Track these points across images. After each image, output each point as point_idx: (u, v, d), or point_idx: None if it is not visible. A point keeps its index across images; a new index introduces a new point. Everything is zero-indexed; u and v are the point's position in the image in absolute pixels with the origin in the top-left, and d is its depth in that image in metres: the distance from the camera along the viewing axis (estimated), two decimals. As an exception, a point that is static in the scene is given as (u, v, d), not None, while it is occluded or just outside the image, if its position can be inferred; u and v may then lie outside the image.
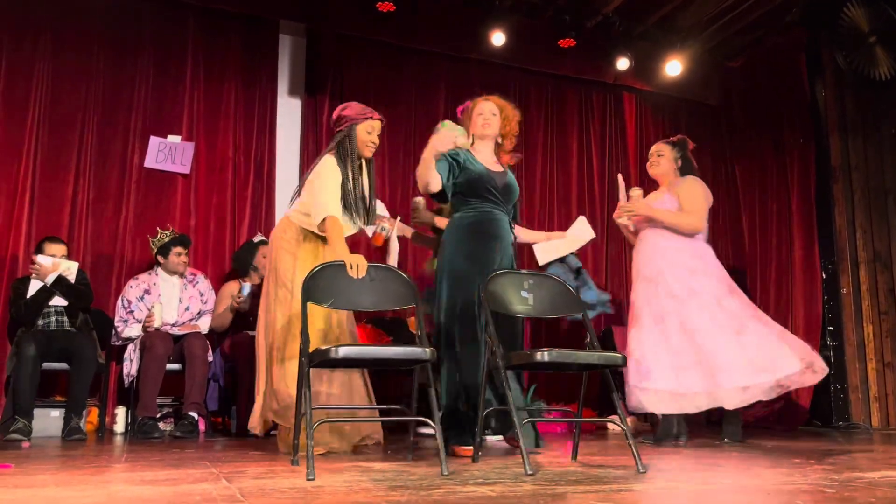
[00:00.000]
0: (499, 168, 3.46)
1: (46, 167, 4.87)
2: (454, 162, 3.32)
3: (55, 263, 4.24)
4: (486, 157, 3.45)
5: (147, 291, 4.54)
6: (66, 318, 4.30)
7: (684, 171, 4.12)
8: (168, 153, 5.12)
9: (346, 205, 3.24)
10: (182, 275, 4.64)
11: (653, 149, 4.24)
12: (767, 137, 6.32)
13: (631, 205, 3.99)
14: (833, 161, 5.89)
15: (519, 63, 6.14)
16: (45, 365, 4.09)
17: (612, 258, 6.41)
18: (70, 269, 4.27)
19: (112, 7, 5.14)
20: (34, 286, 4.22)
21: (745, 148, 6.55)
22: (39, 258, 4.22)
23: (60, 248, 4.34)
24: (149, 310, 4.44)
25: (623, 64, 6.13)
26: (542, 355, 2.54)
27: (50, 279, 4.19)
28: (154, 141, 5.10)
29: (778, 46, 6.20)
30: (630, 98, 6.71)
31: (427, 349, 2.51)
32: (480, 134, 3.47)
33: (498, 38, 5.64)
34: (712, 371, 3.63)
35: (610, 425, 5.07)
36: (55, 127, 4.93)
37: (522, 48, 5.93)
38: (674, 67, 6.21)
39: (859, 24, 5.74)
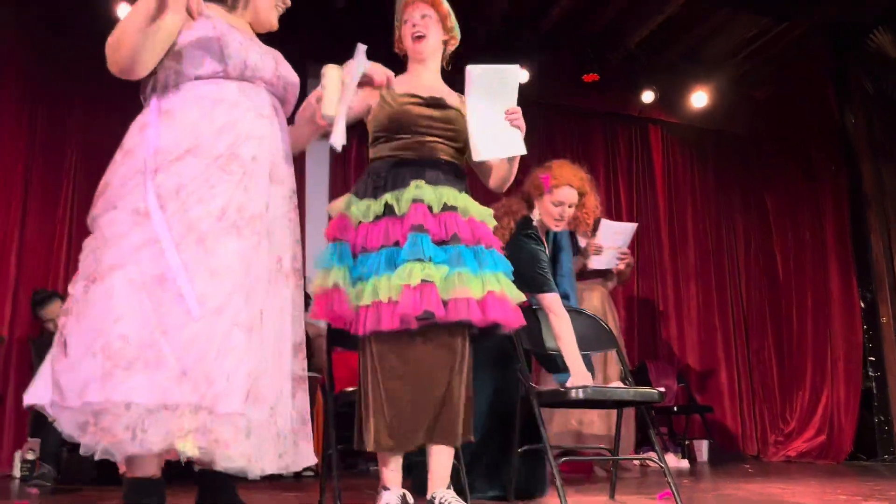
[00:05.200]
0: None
1: (83, 211, 4.99)
2: None
3: None
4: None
5: None
6: None
7: None
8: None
9: None
10: None
11: None
12: (797, 165, 6.26)
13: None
14: (866, 187, 5.81)
15: (543, 99, 6.17)
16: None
17: (642, 290, 6.34)
18: None
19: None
20: None
21: (775, 177, 6.49)
22: None
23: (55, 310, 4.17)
24: None
25: (648, 97, 6.14)
26: (577, 392, 2.50)
27: None
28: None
29: (805, 74, 6.18)
30: (656, 130, 6.70)
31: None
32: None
33: (522, 76, 5.69)
34: None
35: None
36: (91, 171, 5.04)
37: (546, 84, 5.97)
38: (700, 99, 6.21)
39: (886, 50, 5.70)
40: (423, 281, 1.96)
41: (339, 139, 1.90)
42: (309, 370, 1.92)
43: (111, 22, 5.30)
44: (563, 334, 2.75)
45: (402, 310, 1.93)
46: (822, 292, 5.93)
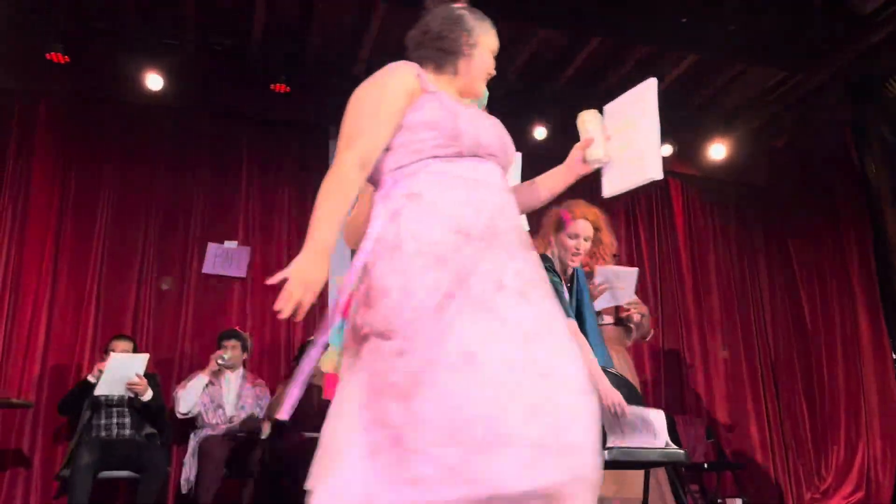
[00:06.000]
0: None
1: (111, 274, 5.10)
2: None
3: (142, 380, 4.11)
4: None
5: (211, 382, 4.56)
6: (128, 427, 4.21)
7: None
8: (225, 258, 5.29)
9: None
10: (233, 367, 4.64)
11: None
12: (820, 214, 6.24)
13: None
14: (890, 235, 5.75)
15: (560, 155, 6.18)
16: (106, 473, 4.06)
17: (667, 342, 6.27)
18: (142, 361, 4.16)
19: (173, 121, 5.44)
20: (104, 387, 4.05)
21: (798, 225, 6.46)
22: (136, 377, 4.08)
23: (127, 345, 4.35)
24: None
25: (666, 150, 6.17)
26: (602, 454, 2.46)
27: (147, 396, 4.13)
28: (211, 247, 5.28)
29: (823, 123, 6.19)
30: (675, 182, 6.70)
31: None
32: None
33: (540, 133, 5.75)
34: None
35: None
36: (120, 236, 5.18)
37: (563, 141, 5.96)
38: (718, 151, 6.22)
39: (904, 99, 5.73)
40: None
41: (611, 187, 2.00)
42: None
43: (140, 89, 5.46)
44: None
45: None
46: (852, 342, 5.83)
